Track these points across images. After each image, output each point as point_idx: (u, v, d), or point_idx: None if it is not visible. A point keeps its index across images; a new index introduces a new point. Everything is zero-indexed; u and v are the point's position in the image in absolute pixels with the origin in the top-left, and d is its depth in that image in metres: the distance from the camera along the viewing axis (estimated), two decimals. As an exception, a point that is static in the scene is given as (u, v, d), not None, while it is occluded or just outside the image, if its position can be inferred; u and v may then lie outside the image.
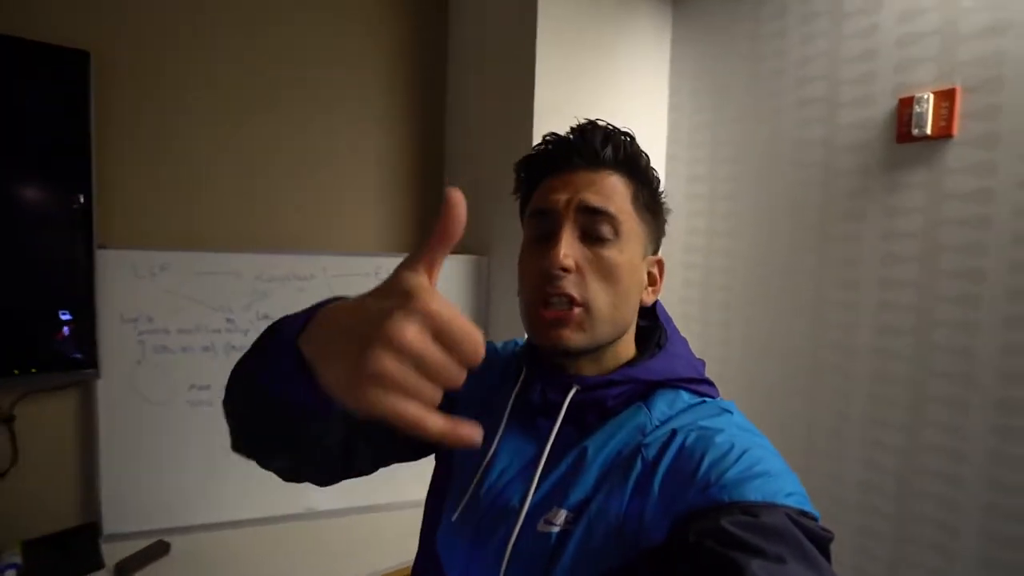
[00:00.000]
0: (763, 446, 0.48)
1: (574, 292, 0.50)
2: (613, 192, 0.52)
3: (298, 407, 0.40)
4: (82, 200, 1.20)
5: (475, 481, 0.55)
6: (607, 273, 0.51)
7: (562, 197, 0.52)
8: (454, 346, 0.30)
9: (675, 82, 1.58)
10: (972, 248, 1.01)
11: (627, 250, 0.52)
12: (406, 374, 0.29)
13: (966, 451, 1.03)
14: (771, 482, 0.43)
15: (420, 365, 0.29)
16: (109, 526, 1.25)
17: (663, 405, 0.51)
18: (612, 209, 0.51)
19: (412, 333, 0.29)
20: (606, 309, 0.51)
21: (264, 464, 0.53)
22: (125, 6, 1.29)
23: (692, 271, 1.52)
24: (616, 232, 0.51)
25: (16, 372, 1.16)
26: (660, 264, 0.57)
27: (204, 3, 1.38)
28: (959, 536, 1.04)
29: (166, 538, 1.25)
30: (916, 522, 1.10)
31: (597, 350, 0.53)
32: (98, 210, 1.21)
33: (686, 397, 0.53)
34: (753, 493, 0.42)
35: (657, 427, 0.50)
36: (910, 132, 1.06)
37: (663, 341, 0.56)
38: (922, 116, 1.03)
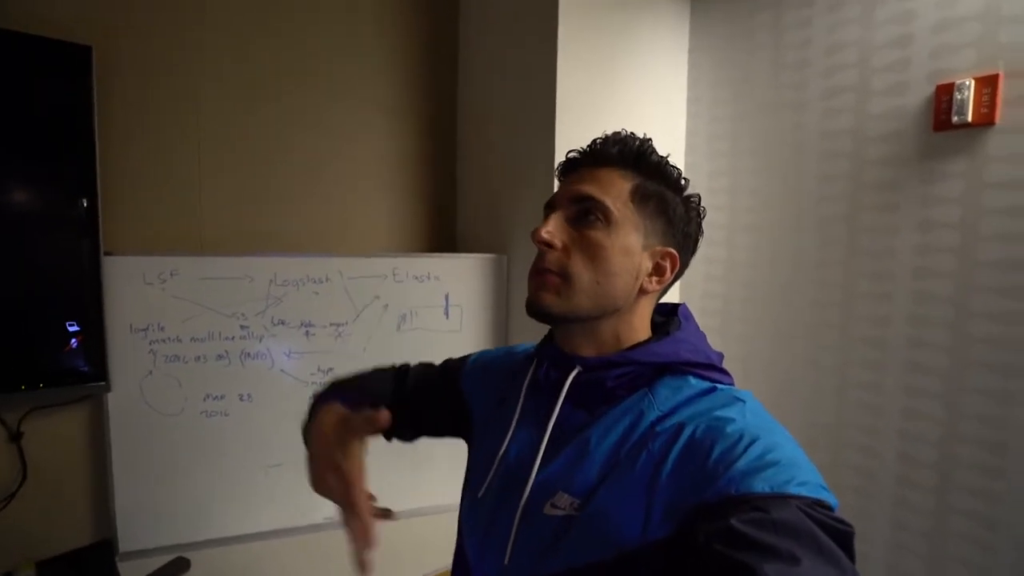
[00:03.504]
0: (775, 433, 0.47)
1: (554, 265, 0.55)
2: (608, 184, 0.56)
3: None
4: (87, 204, 1.14)
5: (496, 462, 0.59)
6: (592, 252, 0.54)
7: (563, 191, 0.58)
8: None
9: (694, 74, 1.54)
10: (1013, 238, 0.99)
11: (618, 235, 0.55)
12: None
13: (1007, 442, 1.02)
14: (781, 472, 0.42)
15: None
16: (125, 543, 1.21)
17: (667, 391, 0.52)
18: (601, 196, 0.55)
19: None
20: (586, 282, 0.54)
21: None
22: (126, -1, 1.22)
23: (713, 265, 1.50)
24: (606, 218, 0.55)
25: (23, 387, 1.10)
26: (672, 257, 0.57)
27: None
28: (997, 528, 1.03)
29: (185, 554, 1.21)
30: (954, 515, 1.08)
31: (581, 322, 0.56)
32: (103, 214, 1.15)
33: (694, 383, 0.53)
34: (761, 484, 0.41)
35: (664, 416, 0.51)
36: (949, 120, 1.03)
37: (673, 330, 0.58)
38: (963, 103, 1.00)
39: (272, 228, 1.44)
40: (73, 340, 1.14)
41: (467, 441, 0.73)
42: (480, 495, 0.60)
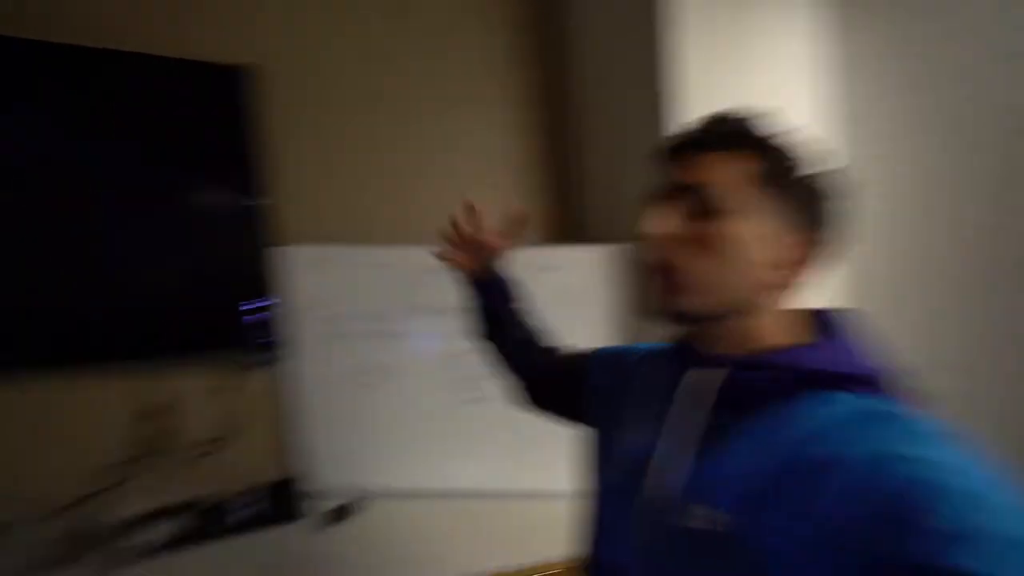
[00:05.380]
0: (978, 479, 0.38)
1: (668, 262, 0.52)
2: (722, 168, 0.50)
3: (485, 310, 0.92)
4: (264, 203, 1.40)
5: (630, 462, 0.57)
6: (706, 245, 0.50)
7: (670, 181, 0.54)
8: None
9: (849, 44, 1.41)
10: None
11: (737, 225, 0.50)
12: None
13: None
14: (994, 542, 0.35)
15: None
16: (306, 484, 1.46)
17: (822, 407, 0.46)
18: (714, 184, 0.50)
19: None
20: (703, 278, 0.51)
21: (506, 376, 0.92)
22: (287, 22, 1.48)
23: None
24: (722, 207, 0.50)
25: (223, 353, 1.40)
26: (806, 244, 0.51)
27: (356, 14, 1.53)
28: None
29: (355, 500, 1.42)
30: None
31: (706, 322, 0.53)
32: (277, 212, 1.41)
33: (852, 401, 0.45)
34: (973, 560, 0.34)
35: (824, 436, 0.44)
36: None
37: (829, 335, 0.51)
38: None
39: (418, 223, 1.63)
40: (261, 314, 1.41)
41: (590, 429, 0.71)
42: (614, 494, 0.59)
